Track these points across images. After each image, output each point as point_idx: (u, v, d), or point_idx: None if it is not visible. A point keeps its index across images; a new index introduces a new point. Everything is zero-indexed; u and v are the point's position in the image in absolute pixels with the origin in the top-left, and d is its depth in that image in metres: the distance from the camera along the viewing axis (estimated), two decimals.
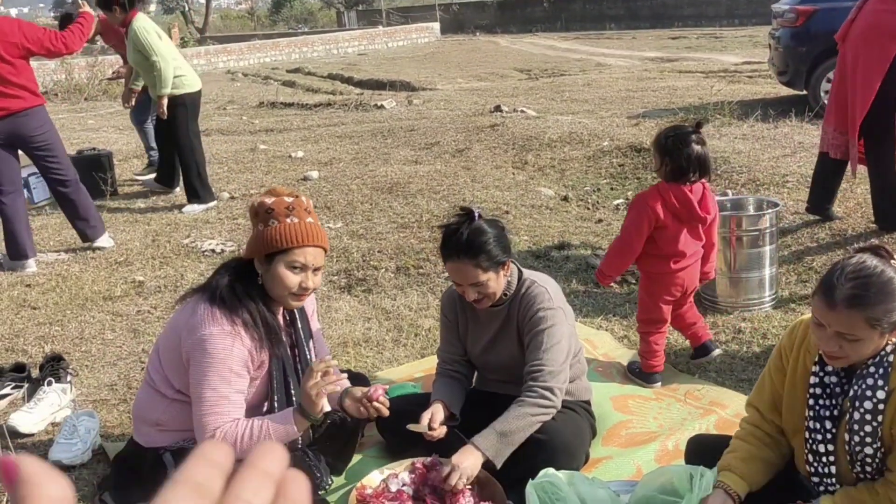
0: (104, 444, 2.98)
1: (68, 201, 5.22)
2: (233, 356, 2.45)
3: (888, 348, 1.99)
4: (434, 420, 2.69)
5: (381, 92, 14.84)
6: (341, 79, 19.31)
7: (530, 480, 2.41)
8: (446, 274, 4.55)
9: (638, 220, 3.16)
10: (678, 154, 3.06)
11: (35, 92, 4.95)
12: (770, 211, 3.88)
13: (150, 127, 7.35)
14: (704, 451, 2.48)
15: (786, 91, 9.13)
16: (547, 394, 2.65)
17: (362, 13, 44.26)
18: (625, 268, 3.36)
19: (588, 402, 2.94)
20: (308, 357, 2.72)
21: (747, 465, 2.22)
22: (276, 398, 2.59)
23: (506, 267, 2.71)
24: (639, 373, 3.36)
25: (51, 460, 2.82)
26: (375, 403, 2.63)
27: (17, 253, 5.01)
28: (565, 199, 5.98)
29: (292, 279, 2.50)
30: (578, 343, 2.93)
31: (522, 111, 9.99)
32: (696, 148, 3.07)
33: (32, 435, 3.08)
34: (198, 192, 6.34)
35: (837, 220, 4.76)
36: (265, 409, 2.61)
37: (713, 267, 3.36)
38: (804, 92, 8.26)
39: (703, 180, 3.17)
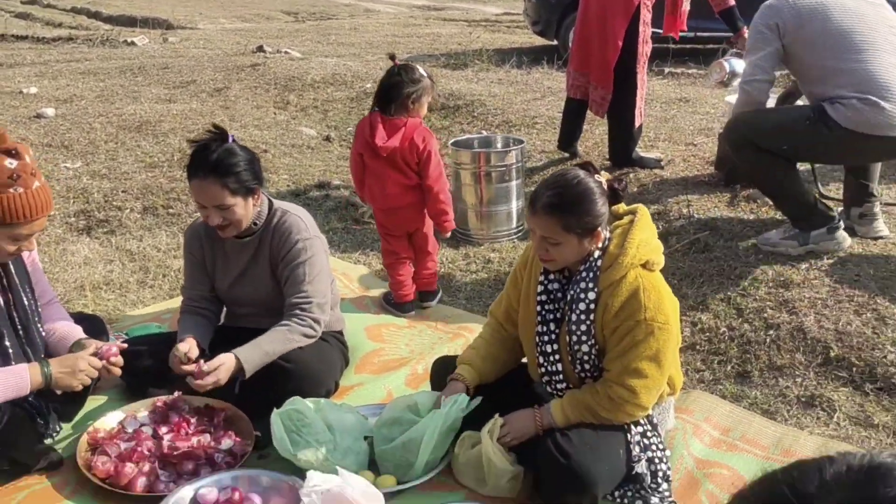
0: None
1: None
2: None
3: (595, 254, 2.18)
4: (191, 353, 2.54)
5: (134, 29, 13.71)
6: (87, 13, 17.55)
7: (276, 409, 2.36)
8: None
9: (353, 144, 3.40)
10: (388, 87, 3.19)
11: None
12: (516, 147, 4.07)
13: None
14: (448, 370, 2.57)
15: (539, 41, 9.66)
16: (314, 325, 2.62)
17: None
18: (360, 193, 3.48)
19: (340, 332, 2.94)
20: (25, 303, 2.44)
21: (483, 361, 2.43)
22: None
23: (256, 195, 2.61)
24: (392, 303, 3.42)
25: None
26: (106, 364, 2.43)
27: None
28: (328, 139, 5.89)
29: (12, 248, 2.28)
30: (331, 274, 2.91)
31: (286, 52, 9.69)
32: (394, 79, 3.16)
33: None
34: None
35: (580, 157, 5.12)
36: None
37: (446, 217, 3.28)
38: (555, 42, 8.78)
39: (411, 116, 3.19)
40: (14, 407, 2.30)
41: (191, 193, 2.59)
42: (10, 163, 2.20)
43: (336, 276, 3.55)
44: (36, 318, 2.51)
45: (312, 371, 2.61)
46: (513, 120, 5.89)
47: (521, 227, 4.18)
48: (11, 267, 2.45)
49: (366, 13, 16.08)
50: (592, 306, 2.16)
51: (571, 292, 2.21)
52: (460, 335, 3.18)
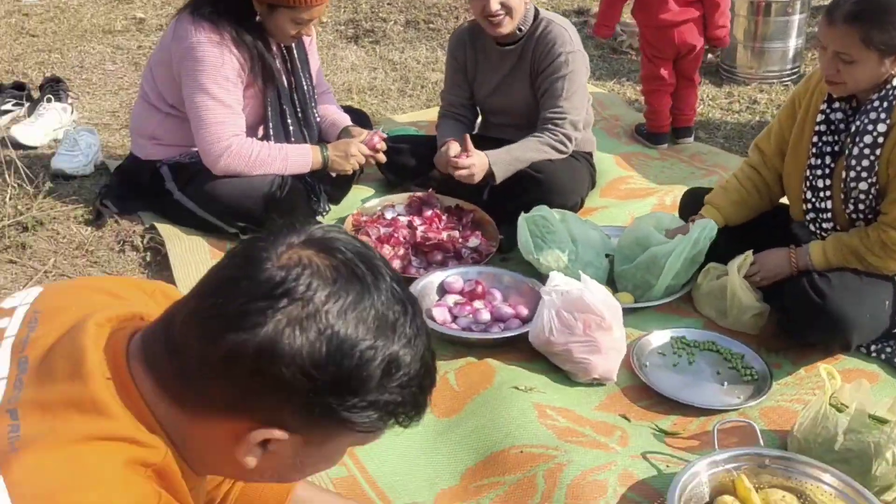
0: (106, 160, 3.00)
1: None
2: (225, 64, 2.38)
3: (894, 82, 1.93)
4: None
5: None
6: None
7: (523, 213, 2.42)
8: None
9: None
10: None
11: None
12: None
13: None
14: (697, 203, 2.48)
15: None
16: (565, 141, 2.62)
17: None
18: (612, 14, 3.24)
19: (590, 154, 2.90)
20: (304, 87, 2.65)
21: (732, 205, 2.31)
22: (270, 125, 2.55)
23: None
24: (645, 134, 3.31)
25: (53, 169, 2.85)
26: (370, 151, 2.60)
27: None
28: None
29: (293, 30, 2.43)
30: (588, 93, 2.85)
31: None
32: None
33: (35, 148, 3.09)
34: None
35: None
36: (260, 135, 2.58)
37: (724, 32, 3.13)
38: None
39: None
40: (295, 181, 2.56)
41: None
42: None
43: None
44: (312, 103, 2.73)
45: (561, 183, 2.61)
46: None
47: (796, 69, 3.80)
48: (295, 51, 2.65)
49: None
50: (881, 140, 1.93)
51: (858, 123, 1.98)
52: (714, 172, 3.04)
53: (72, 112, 3.33)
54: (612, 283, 2.42)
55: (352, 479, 1.71)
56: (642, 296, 2.34)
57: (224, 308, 0.79)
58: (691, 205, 2.50)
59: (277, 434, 0.81)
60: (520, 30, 2.64)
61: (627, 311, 2.26)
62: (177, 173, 2.56)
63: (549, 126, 2.63)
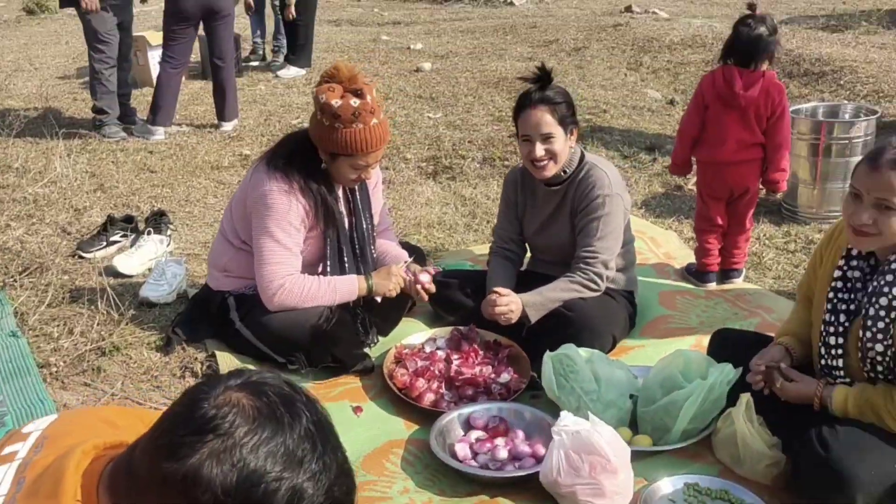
0: (189, 290, 3.35)
1: (222, 78, 5.63)
2: (291, 211, 2.68)
3: None
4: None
5: None
6: None
7: (548, 352, 2.53)
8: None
9: (692, 99, 3.27)
10: (738, 35, 3.08)
11: None
12: (865, 119, 3.67)
13: (263, 16, 8.03)
14: (726, 344, 2.52)
15: None
16: (596, 279, 2.76)
17: None
18: (683, 153, 3.30)
19: (631, 293, 3.00)
20: (364, 227, 2.92)
21: (805, 330, 2.27)
22: (328, 264, 2.82)
23: (573, 134, 2.79)
24: (694, 272, 3.37)
25: (140, 297, 3.21)
26: (418, 286, 2.83)
27: (161, 119, 5.50)
28: (671, 102, 5.81)
29: (353, 174, 2.73)
30: (631, 234, 2.98)
31: (654, 12, 9.59)
32: (744, 30, 3.05)
33: (131, 277, 3.49)
34: (299, 57, 7.20)
35: None
36: (318, 271, 2.85)
37: (783, 176, 3.14)
38: None
39: (765, 69, 3.08)
40: (343, 311, 2.80)
41: (518, 128, 2.79)
42: (354, 101, 2.62)
43: (643, 240, 3.62)
44: (371, 241, 2.99)
45: (591, 322, 2.72)
46: (885, 90, 5.24)
47: None
48: (357, 193, 2.94)
49: None
50: None
51: (874, 284, 1.99)
52: (756, 314, 3.04)
53: (168, 243, 3.75)
54: (634, 424, 2.46)
55: None
56: (661, 439, 2.37)
57: (166, 440, 0.97)
58: (719, 345, 2.54)
59: None
60: (564, 172, 2.84)
61: (645, 455, 2.30)
62: (240, 304, 2.85)
63: (581, 265, 2.77)
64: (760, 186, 3.25)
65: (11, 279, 3.36)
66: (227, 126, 5.70)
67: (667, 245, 3.71)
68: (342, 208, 2.88)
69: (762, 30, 3.04)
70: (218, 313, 2.89)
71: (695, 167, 3.38)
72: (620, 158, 4.75)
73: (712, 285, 3.31)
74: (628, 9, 9.85)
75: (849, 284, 2.09)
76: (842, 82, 5.55)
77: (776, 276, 3.34)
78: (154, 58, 7.01)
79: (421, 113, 5.88)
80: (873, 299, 1.98)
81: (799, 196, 3.80)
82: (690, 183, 4.31)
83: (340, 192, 2.88)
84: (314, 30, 7.61)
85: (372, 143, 2.67)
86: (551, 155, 2.75)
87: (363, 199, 2.96)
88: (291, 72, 7.21)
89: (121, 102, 5.61)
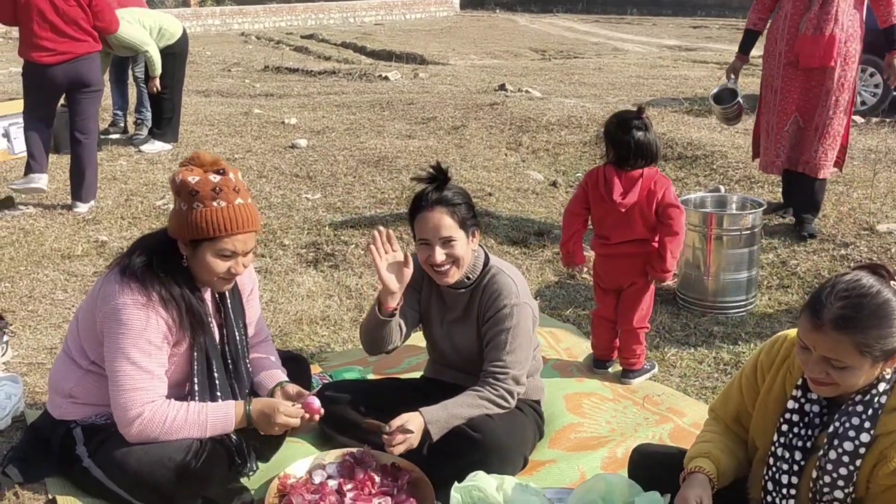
0: (27, 411, 2.85)
1: (82, 155, 5.20)
2: (150, 328, 2.29)
3: (881, 386, 1.78)
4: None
5: (391, 63, 14.60)
6: (354, 48, 19.02)
7: (456, 483, 2.25)
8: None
9: (576, 194, 3.23)
10: (619, 140, 3.02)
11: (97, 39, 5.19)
12: (753, 211, 3.69)
13: (126, 87, 7.61)
14: (649, 464, 2.32)
15: None
16: (507, 395, 2.54)
17: None
18: (567, 240, 3.20)
19: (538, 402, 2.79)
20: (237, 338, 2.56)
21: (722, 453, 2.03)
22: (196, 380, 2.42)
23: (475, 236, 2.58)
24: (592, 360, 3.27)
25: None
26: (307, 415, 2.45)
27: (37, 168, 5.20)
28: (554, 184, 5.78)
29: (220, 266, 2.35)
30: (536, 339, 2.77)
31: (527, 91, 9.78)
32: (638, 134, 2.99)
33: None
34: (164, 131, 6.84)
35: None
36: (186, 390, 2.45)
37: (668, 267, 3.03)
38: None
39: (649, 167, 3.04)
40: (215, 444, 2.40)
41: (415, 232, 2.57)
42: (214, 177, 2.29)
43: (542, 335, 3.43)
44: (245, 354, 2.62)
45: (501, 444, 2.47)
46: (756, 175, 5.40)
47: (752, 300, 3.77)
48: (229, 300, 2.57)
49: (613, 52, 15.86)
50: (863, 451, 1.77)
51: (836, 424, 1.81)
52: (668, 419, 2.89)
53: (5, 352, 3.22)
54: None
55: None
56: None
57: None
58: (642, 463, 2.34)
59: None
60: (468, 278, 2.62)
61: None
62: (89, 437, 2.40)
63: (491, 380, 2.53)
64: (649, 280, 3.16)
65: None
66: (83, 207, 5.17)
67: (566, 339, 3.54)
68: (212, 317, 2.51)
69: (640, 134, 2.98)
70: (61, 447, 2.42)
71: (589, 255, 3.29)
72: (509, 244, 4.61)
73: (606, 371, 3.23)
74: (502, 87, 10.01)
75: (805, 419, 1.89)
76: (714, 167, 5.71)
77: (682, 374, 3.22)
78: None
79: (298, 193, 5.57)
80: (835, 441, 1.80)
81: (692, 286, 3.75)
82: (583, 271, 4.20)
83: (209, 297, 2.51)
84: (181, 101, 7.20)
85: (237, 222, 2.30)
86: (453, 259, 2.52)
87: (235, 307, 2.59)
88: (156, 146, 6.75)
89: None
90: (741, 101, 4.69)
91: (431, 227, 2.49)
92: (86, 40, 5.06)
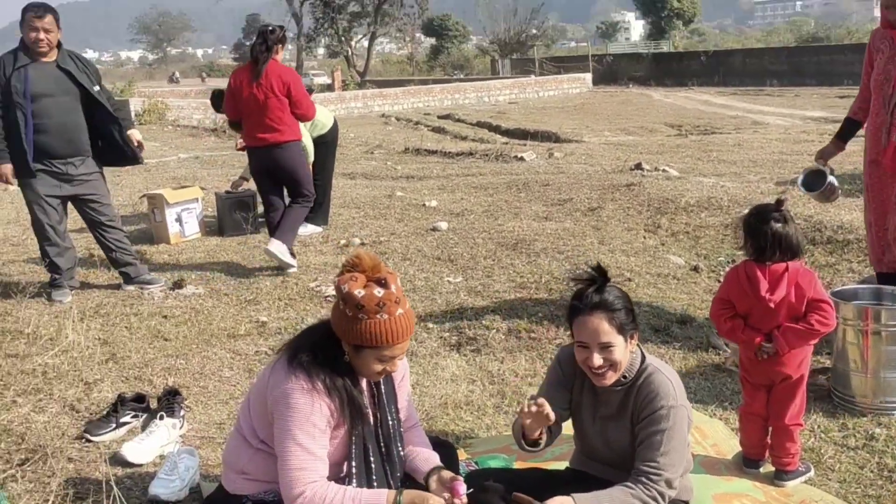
0: (202, 483, 3.10)
1: (294, 208, 6.14)
2: (315, 412, 2.49)
3: None
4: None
5: (525, 142, 14.94)
6: (489, 127, 19.64)
7: None
8: (558, 341, 4.48)
9: (720, 291, 3.19)
10: (757, 233, 2.99)
11: (297, 128, 5.98)
12: None
13: None
14: None
15: None
16: (658, 498, 2.54)
17: (516, 62, 44.96)
18: (728, 332, 3.17)
19: (687, 503, 2.76)
20: (390, 423, 2.72)
21: None
22: (353, 463, 2.60)
23: (633, 339, 2.62)
24: (743, 459, 3.20)
25: (150, 494, 2.96)
26: (455, 501, 2.57)
27: (287, 239, 6.03)
28: (695, 269, 5.72)
29: (379, 367, 2.57)
30: (688, 440, 2.77)
31: (664, 170, 9.75)
32: (776, 226, 2.97)
33: (140, 465, 3.25)
34: (316, 214, 7.23)
35: None
36: (343, 472, 2.62)
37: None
38: None
39: (790, 261, 2.99)
40: None
41: (573, 331, 2.63)
42: (378, 291, 2.49)
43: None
44: (398, 439, 2.77)
45: None
46: None
47: None
48: (383, 387, 2.75)
49: (753, 126, 15.57)
50: None
51: None
52: None
53: (182, 426, 3.52)
54: None
55: None
56: None
57: None
58: None
59: None
60: (624, 377, 2.65)
61: None
62: None
63: (644, 479, 2.54)
64: (805, 374, 3.08)
65: (12, 471, 3.11)
66: (275, 245, 5.96)
67: (713, 435, 3.48)
68: (367, 403, 2.69)
69: (779, 226, 2.96)
70: None
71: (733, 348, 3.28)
72: (651, 332, 4.59)
73: (758, 471, 3.15)
74: (638, 166, 10.02)
75: None
76: (862, 257, 5.48)
77: (841, 479, 3.08)
78: (171, 215, 7.04)
79: (441, 276, 5.79)
80: None
81: (851, 383, 3.61)
82: (729, 362, 4.13)
83: (364, 385, 2.71)
84: (331, 185, 7.68)
85: (398, 334, 2.53)
86: (611, 363, 2.58)
87: (388, 393, 2.78)
88: (308, 229, 7.20)
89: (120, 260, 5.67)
90: (833, 180, 4.47)
91: (590, 331, 2.54)
92: (283, 129, 5.84)
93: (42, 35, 5.08)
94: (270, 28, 5.99)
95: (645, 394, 2.60)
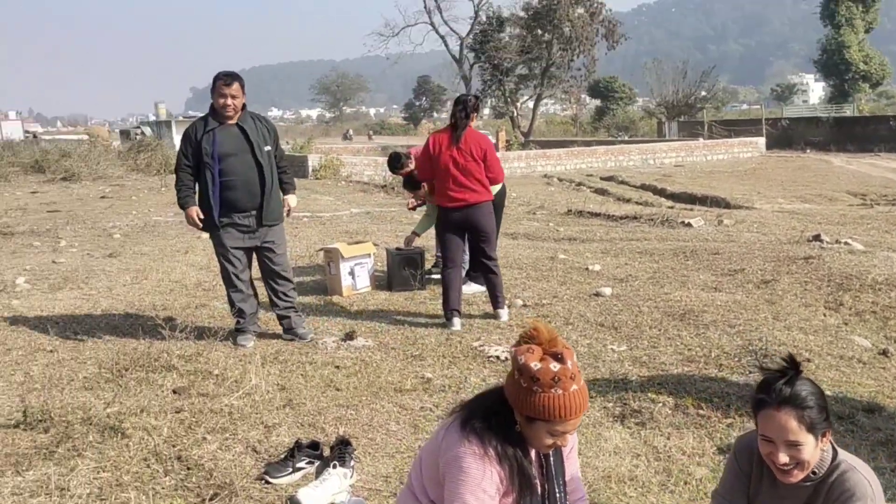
0: None
1: (493, 274, 6.49)
2: (486, 478, 2.54)
3: None
4: None
5: (692, 206, 14.55)
6: (654, 190, 19.31)
7: None
8: (729, 421, 4.30)
9: None
10: None
11: (489, 189, 6.36)
12: None
13: None
14: None
15: None
16: None
17: (683, 124, 44.06)
18: None
19: None
20: (557, 495, 2.72)
21: None
22: None
23: (825, 437, 2.47)
24: None
25: None
26: None
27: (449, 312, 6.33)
28: (884, 353, 5.32)
29: (550, 440, 2.58)
30: None
31: (847, 243, 9.17)
32: None
33: None
34: (479, 274, 7.31)
35: None
36: None
37: None
38: None
39: None
40: None
41: (757, 422, 2.53)
42: (555, 366, 2.52)
43: None
44: None
45: None
46: None
47: None
48: (552, 458, 2.76)
49: None
50: None
51: None
52: None
53: (352, 476, 3.68)
54: None
55: None
56: None
57: None
58: None
59: None
60: (814, 472, 2.50)
61: None
62: None
63: None
64: None
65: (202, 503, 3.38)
66: (504, 314, 6.48)
67: None
68: (535, 473, 2.71)
69: None
70: None
71: None
72: (835, 419, 4.30)
73: None
74: (817, 237, 9.49)
75: None
76: None
77: None
78: (345, 268, 7.43)
79: (604, 344, 5.73)
80: None
81: None
82: None
83: (533, 455, 2.73)
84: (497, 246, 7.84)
85: (572, 410, 2.54)
86: (798, 462, 2.45)
87: (556, 465, 2.78)
88: (472, 288, 7.36)
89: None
90: None
91: (777, 427, 2.43)
92: (480, 190, 6.24)
93: (229, 101, 5.64)
94: (469, 97, 6.48)
95: (839, 493, 2.44)
